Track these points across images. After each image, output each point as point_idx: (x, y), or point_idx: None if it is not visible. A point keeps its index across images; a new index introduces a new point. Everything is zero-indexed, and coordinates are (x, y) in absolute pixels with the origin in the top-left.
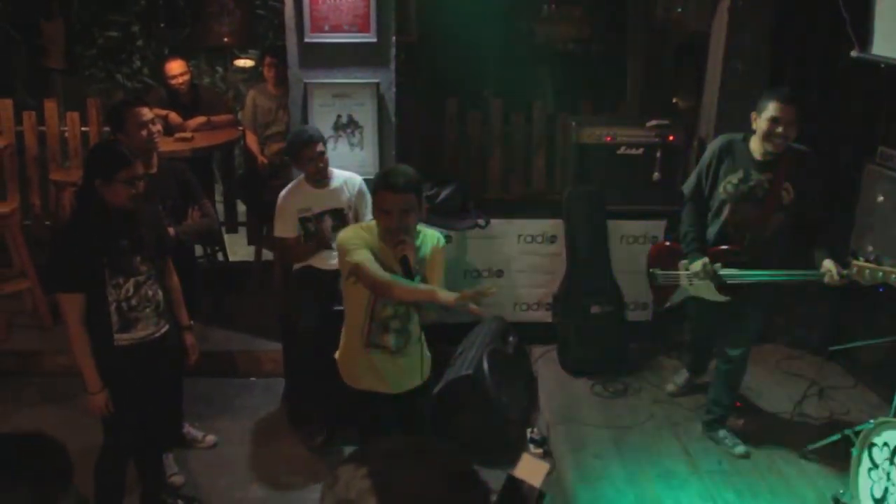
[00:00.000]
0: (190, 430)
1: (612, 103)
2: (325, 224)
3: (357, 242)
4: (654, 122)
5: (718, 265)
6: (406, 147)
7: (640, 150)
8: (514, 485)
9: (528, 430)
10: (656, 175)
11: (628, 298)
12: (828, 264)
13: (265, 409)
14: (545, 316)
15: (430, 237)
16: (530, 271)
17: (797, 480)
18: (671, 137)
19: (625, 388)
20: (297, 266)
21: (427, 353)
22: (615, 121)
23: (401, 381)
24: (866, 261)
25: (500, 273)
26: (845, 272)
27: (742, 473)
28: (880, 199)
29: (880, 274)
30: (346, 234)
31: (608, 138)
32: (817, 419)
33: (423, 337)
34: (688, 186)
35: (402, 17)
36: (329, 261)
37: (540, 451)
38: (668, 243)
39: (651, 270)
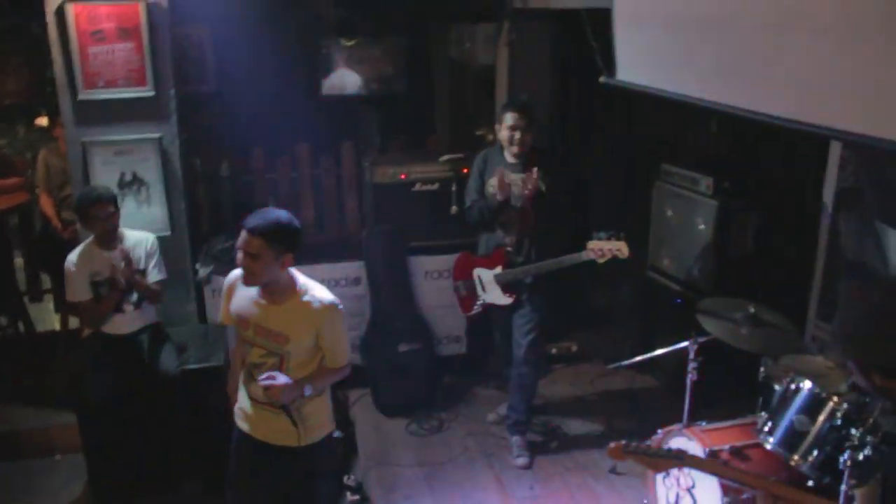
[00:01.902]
0: None
1: (423, 140)
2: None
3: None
4: (447, 157)
5: (499, 268)
6: (213, 198)
7: (436, 186)
8: None
9: (346, 476)
10: (454, 209)
11: (439, 333)
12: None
13: (69, 487)
14: (356, 359)
15: None
16: None
17: (606, 495)
18: (465, 170)
19: (440, 424)
20: (86, 333)
21: (312, 419)
22: (409, 158)
23: (267, 433)
24: (599, 239)
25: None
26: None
27: (554, 495)
28: (669, 213)
29: (608, 248)
30: None
31: (403, 176)
32: (628, 432)
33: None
34: (469, 195)
35: (199, 67)
36: (122, 326)
37: (357, 497)
38: (469, 255)
39: (455, 283)
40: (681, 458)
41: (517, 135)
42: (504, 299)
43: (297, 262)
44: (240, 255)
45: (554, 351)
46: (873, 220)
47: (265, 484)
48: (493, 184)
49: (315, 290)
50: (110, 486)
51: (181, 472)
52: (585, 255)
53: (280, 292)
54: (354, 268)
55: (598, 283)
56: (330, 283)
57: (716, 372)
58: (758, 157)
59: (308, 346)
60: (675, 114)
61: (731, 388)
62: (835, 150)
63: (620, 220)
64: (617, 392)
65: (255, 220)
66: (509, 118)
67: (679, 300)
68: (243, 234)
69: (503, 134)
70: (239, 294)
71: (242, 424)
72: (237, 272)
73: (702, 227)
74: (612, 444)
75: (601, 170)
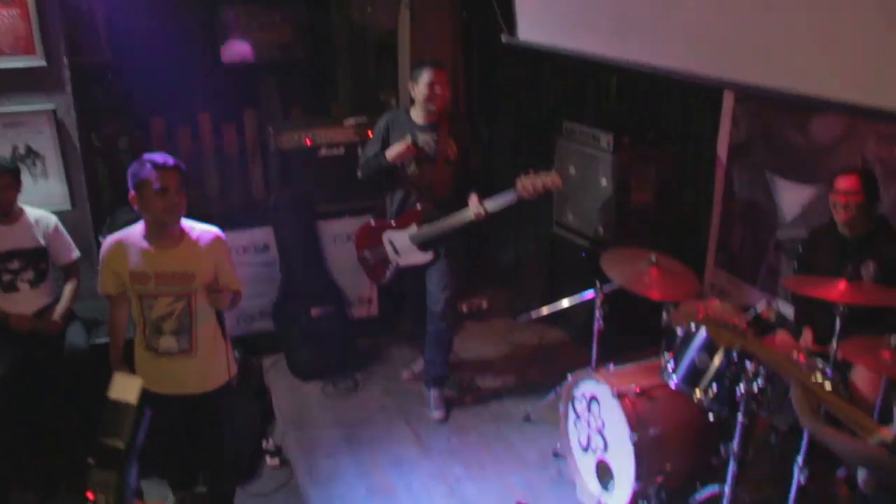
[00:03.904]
0: None
1: (326, 106)
2: (11, 265)
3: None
4: (352, 121)
5: (413, 227)
6: (113, 170)
7: (342, 150)
8: (111, 406)
9: (263, 441)
10: (360, 172)
11: (351, 295)
12: (472, 201)
13: None
14: (269, 325)
15: None
16: (247, 282)
17: (521, 443)
18: (371, 133)
19: (356, 384)
20: None
21: (233, 353)
22: (314, 123)
23: (175, 386)
24: (525, 174)
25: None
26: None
27: (470, 447)
28: (572, 169)
29: (540, 183)
30: None
31: (308, 141)
32: (540, 383)
33: (223, 333)
34: (371, 149)
35: (93, 36)
36: (20, 306)
37: (276, 460)
38: (372, 223)
39: (361, 254)
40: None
41: (437, 89)
42: (424, 257)
43: None
44: (170, 194)
45: (465, 308)
46: (763, 170)
47: (177, 435)
48: (395, 150)
49: (197, 225)
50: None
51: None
52: (515, 195)
53: (173, 234)
54: (262, 234)
55: (504, 241)
56: (238, 250)
57: (622, 320)
58: (657, 114)
59: (210, 279)
60: (576, 72)
61: (636, 335)
62: (728, 104)
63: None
64: (528, 345)
65: (164, 157)
66: (427, 75)
67: (584, 253)
68: (166, 172)
69: (421, 90)
70: (131, 253)
71: (148, 385)
72: (117, 237)
73: (603, 181)
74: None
75: (504, 129)
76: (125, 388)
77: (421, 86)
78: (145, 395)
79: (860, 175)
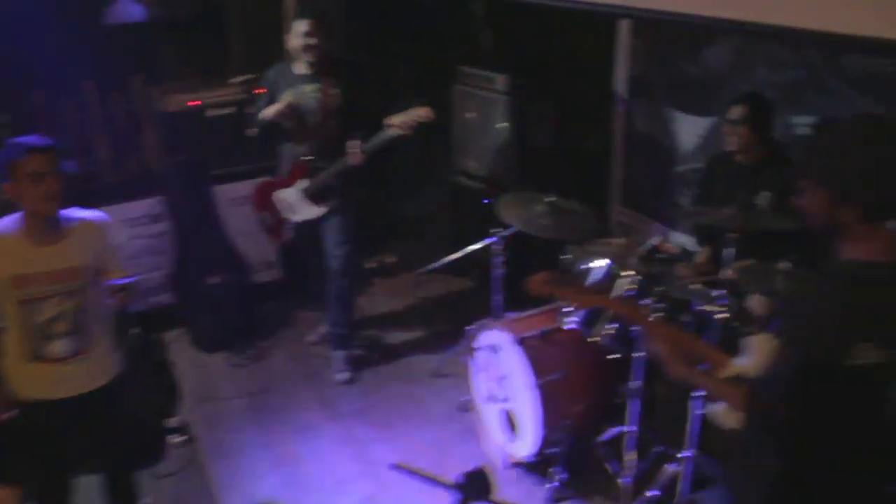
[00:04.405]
0: None
1: (219, 66)
2: None
3: None
4: (239, 79)
5: (304, 181)
6: None
7: (231, 110)
8: None
9: (168, 419)
10: (251, 131)
11: (253, 260)
12: (350, 145)
13: None
14: (168, 298)
15: None
16: (141, 255)
17: (430, 398)
18: (259, 91)
19: (261, 352)
20: None
21: (104, 357)
22: (199, 84)
23: (70, 388)
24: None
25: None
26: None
27: (377, 406)
28: (469, 115)
29: (411, 115)
30: None
31: (193, 102)
32: (448, 335)
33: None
34: (261, 105)
35: None
36: None
37: (182, 438)
38: (264, 182)
39: (260, 215)
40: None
41: (310, 41)
42: (317, 211)
43: (90, 204)
44: (48, 179)
45: (370, 265)
46: (661, 104)
47: (74, 438)
48: (271, 110)
49: (76, 212)
50: None
51: None
52: (388, 133)
53: (54, 226)
54: (154, 204)
55: (406, 193)
56: (129, 223)
57: (525, 265)
58: (550, 52)
59: (99, 266)
60: (468, 13)
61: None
62: (623, 38)
63: (420, 126)
64: (434, 298)
65: (40, 140)
66: (300, 26)
67: (487, 200)
68: (42, 155)
69: (297, 42)
70: (6, 254)
71: (38, 395)
72: None
73: (501, 125)
74: (535, 277)
75: (398, 77)
76: None
77: (295, 38)
78: (39, 404)
79: (749, 102)
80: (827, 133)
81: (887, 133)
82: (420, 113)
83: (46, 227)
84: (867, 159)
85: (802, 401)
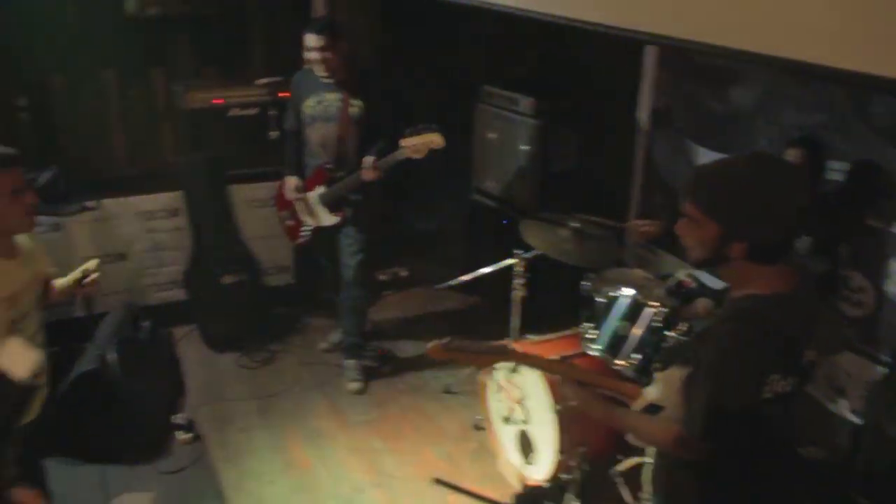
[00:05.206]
0: None
1: (241, 65)
2: None
3: None
4: (264, 80)
5: (322, 188)
6: (12, 133)
7: (254, 111)
8: None
9: (174, 416)
10: (273, 133)
11: (267, 263)
12: (366, 161)
13: None
14: (181, 294)
15: None
16: (156, 250)
17: (441, 415)
18: (283, 94)
19: (271, 356)
20: None
21: None
22: (225, 82)
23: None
24: (410, 136)
25: (122, 256)
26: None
27: (388, 419)
28: (491, 135)
29: (422, 141)
30: None
31: (217, 101)
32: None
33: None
34: (289, 122)
35: None
36: None
37: (189, 435)
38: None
39: (281, 214)
40: (504, 352)
41: (320, 56)
42: (331, 219)
43: (105, 195)
44: (25, 194)
45: (383, 277)
46: (683, 138)
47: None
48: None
49: None
50: None
51: None
52: (401, 154)
53: (15, 239)
54: (172, 199)
55: (423, 208)
56: (145, 216)
57: (543, 288)
58: (577, 78)
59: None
60: (496, 35)
61: (557, 304)
62: (649, 69)
63: (433, 153)
64: (447, 314)
65: (8, 150)
66: (308, 41)
67: (506, 220)
68: (15, 170)
69: (306, 55)
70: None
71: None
72: None
73: (523, 147)
74: (431, 343)
75: (423, 92)
76: (17, 360)
77: (307, 51)
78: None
79: (807, 146)
80: (724, 167)
81: (783, 178)
82: (433, 139)
83: (13, 242)
84: (758, 202)
85: (721, 436)
